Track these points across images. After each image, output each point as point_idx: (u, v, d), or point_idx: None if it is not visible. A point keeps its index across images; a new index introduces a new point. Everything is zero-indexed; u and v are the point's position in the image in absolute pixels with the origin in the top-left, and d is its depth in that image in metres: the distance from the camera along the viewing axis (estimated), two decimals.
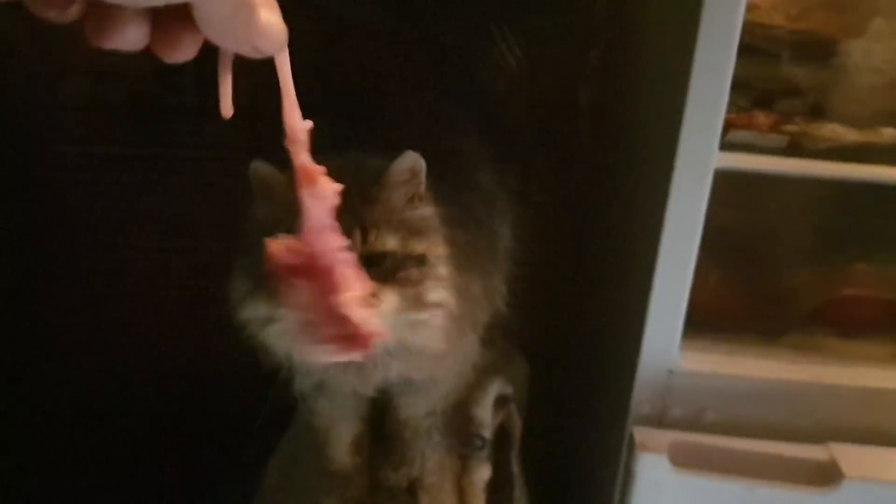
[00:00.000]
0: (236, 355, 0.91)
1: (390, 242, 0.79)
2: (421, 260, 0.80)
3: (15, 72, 1.41)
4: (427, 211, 0.83)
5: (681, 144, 0.94)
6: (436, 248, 0.82)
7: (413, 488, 1.00)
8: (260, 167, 0.81)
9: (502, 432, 1.10)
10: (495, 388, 1.09)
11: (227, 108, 0.51)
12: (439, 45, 1.24)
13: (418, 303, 0.80)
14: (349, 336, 0.60)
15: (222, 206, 1.50)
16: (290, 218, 0.58)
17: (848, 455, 1.04)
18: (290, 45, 0.48)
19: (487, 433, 1.06)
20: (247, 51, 0.44)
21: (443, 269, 0.82)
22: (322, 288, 0.59)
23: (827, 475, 1.03)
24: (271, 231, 0.57)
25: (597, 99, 1.38)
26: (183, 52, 0.43)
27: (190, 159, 1.48)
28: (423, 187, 0.82)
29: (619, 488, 1.10)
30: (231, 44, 0.44)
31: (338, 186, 0.55)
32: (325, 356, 0.61)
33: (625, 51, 1.28)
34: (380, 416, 1.04)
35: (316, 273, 0.59)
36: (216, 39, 0.43)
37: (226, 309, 0.86)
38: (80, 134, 1.45)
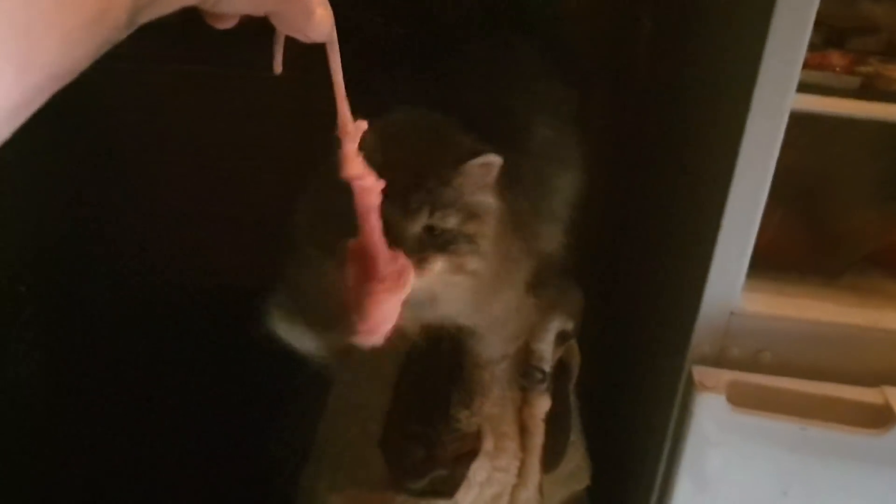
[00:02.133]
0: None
1: (451, 222, 0.88)
2: (471, 238, 0.89)
3: None
4: (489, 200, 0.91)
5: (759, 84, 0.92)
6: (486, 229, 0.91)
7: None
8: None
9: (561, 366, 1.11)
10: (556, 323, 1.09)
11: (278, 67, 0.61)
12: None
13: (459, 269, 0.89)
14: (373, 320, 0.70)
15: (252, 124, 1.51)
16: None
17: None
18: None
19: (547, 367, 1.07)
20: (300, 37, 0.55)
21: (486, 246, 0.91)
22: (364, 270, 0.68)
23: (881, 418, 1.04)
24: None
25: (672, 34, 1.34)
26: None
27: (219, 77, 1.46)
28: (492, 180, 0.90)
29: (673, 425, 1.12)
30: (288, 31, 0.55)
31: (381, 183, 0.64)
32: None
33: None
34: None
35: (362, 256, 0.68)
36: (278, 27, 0.55)
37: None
38: (129, 51, 1.43)
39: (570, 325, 1.11)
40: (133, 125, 1.54)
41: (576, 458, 1.19)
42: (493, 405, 1.03)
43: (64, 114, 1.46)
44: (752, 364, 1.08)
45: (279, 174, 1.50)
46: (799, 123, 0.96)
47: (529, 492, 1.02)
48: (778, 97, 0.93)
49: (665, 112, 1.31)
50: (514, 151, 0.97)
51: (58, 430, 1.55)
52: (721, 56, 1.08)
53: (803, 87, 0.95)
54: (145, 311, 1.62)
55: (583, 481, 1.21)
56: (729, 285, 1.03)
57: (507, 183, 0.93)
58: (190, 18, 0.52)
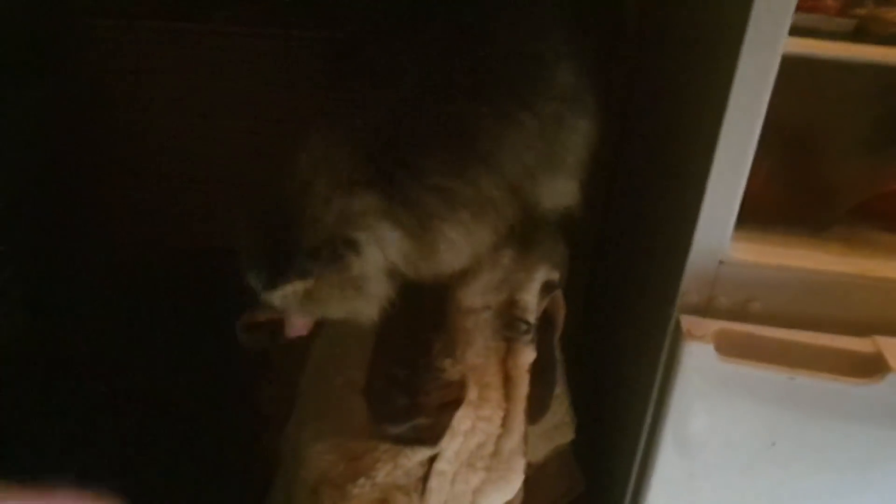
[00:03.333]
0: None
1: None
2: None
3: None
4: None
5: (750, 26, 0.90)
6: None
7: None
8: None
9: (546, 317, 1.09)
10: (541, 274, 1.08)
11: None
12: None
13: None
14: None
15: (253, 81, 1.48)
16: None
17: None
18: None
19: (532, 318, 1.05)
20: None
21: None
22: None
23: (872, 367, 1.03)
24: None
25: None
26: None
27: (223, 35, 1.43)
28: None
29: (660, 376, 1.11)
30: None
31: None
32: None
33: None
34: None
35: None
36: None
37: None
38: (118, 7, 1.40)
39: (555, 276, 1.09)
40: (117, 82, 1.51)
41: (560, 412, 1.18)
42: (476, 355, 1.02)
43: (48, 69, 1.44)
44: (740, 313, 1.07)
45: (264, 134, 1.49)
46: (790, 68, 0.94)
47: (514, 442, 1.01)
48: (769, 40, 0.90)
49: (654, 57, 1.29)
50: (536, 97, 1.00)
51: (42, 391, 1.53)
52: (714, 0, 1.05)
53: (795, 31, 0.92)
54: (128, 270, 1.61)
55: (567, 435, 1.20)
56: (718, 233, 1.02)
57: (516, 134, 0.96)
58: None
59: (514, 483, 1.02)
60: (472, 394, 0.99)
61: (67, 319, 1.59)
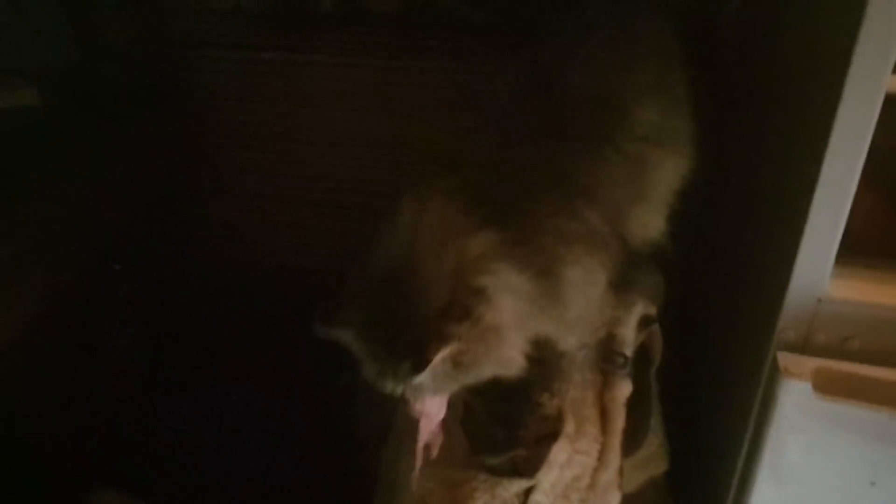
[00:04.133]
0: None
1: None
2: None
3: None
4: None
5: (853, 64, 0.90)
6: None
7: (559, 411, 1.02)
8: None
9: (643, 350, 1.10)
10: (638, 308, 1.09)
11: None
12: None
13: None
14: None
15: (359, 111, 1.54)
16: None
17: None
18: None
19: (629, 352, 1.06)
20: None
21: None
22: None
23: None
24: None
25: (763, 11, 1.31)
26: None
27: (328, 65, 1.49)
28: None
29: (756, 412, 1.10)
30: None
31: None
32: None
33: None
34: None
35: None
36: None
37: None
38: (225, 40, 1.47)
39: (652, 310, 1.10)
40: (224, 110, 1.58)
41: (655, 443, 1.18)
42: (574, 389, 1.03)
43: (158, 100, 1.52)
44: (838, 351, 1.06)
45: (365, 159, 1.54)
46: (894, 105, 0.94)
47: (609, 475, 1.02)
48: (873, 78, 0.90)
49: (755, 93, 1.28)
50: (617, 134, 0.99)
51: (155, 405, 1.60)
52: (815, 35, 1.05)
53: None
54: (238, 289, 1.67)
55: (661, 466, 1.21)
56: (817, 271, 1.01)
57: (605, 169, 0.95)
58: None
59: None
60: (569, 427, 1.01)
61: (176, 334, 1.66)
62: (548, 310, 0.92)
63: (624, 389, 1.05)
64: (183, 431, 1.56)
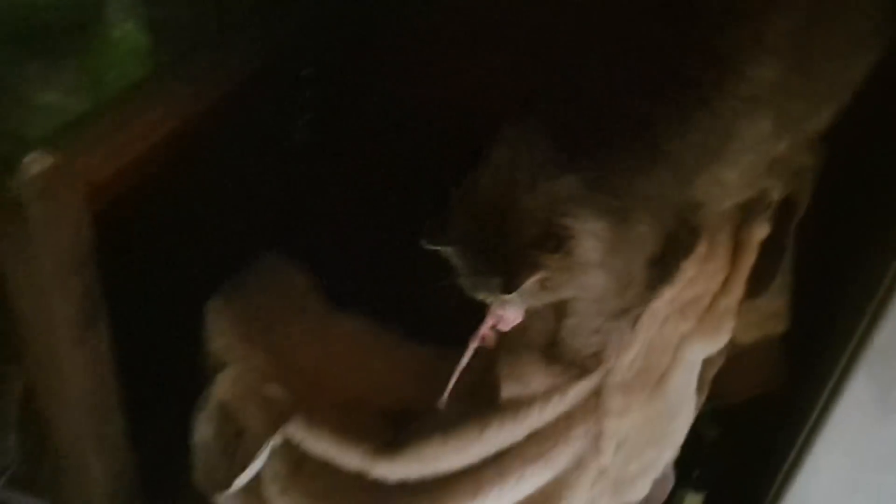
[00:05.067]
0: None
1: None
2: None
3: None
4: None
5: None
6: None
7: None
8: None
9: (788, 201, 1.13)
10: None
11: None
12: None
13: None
14: None
15: None
16: None
17: None
18: None
19: (775, 195, 1.09)
20: None
21: None
22: None
23: None
24: None
25: None
26: None
27: None
28: None
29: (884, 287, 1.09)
30: None
31: None
32: None
33: None
34: None
35: None
36: None
37: None
38: None
39: (810, 161, 1.11)
40: None
41: (779, 301, 1.22)
42: (713, 214, 1.05)
43: None
44: None
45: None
46: None
47: (729, 301, 1.07)
48: None
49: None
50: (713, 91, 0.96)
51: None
52: None
53: None
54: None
55: (780, 325, 1.24)
56: None
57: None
58: None
59: (720, 340, 1.09)
60: (702, 246, 1.05)
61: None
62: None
63: (760, 230, 1.08)
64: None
